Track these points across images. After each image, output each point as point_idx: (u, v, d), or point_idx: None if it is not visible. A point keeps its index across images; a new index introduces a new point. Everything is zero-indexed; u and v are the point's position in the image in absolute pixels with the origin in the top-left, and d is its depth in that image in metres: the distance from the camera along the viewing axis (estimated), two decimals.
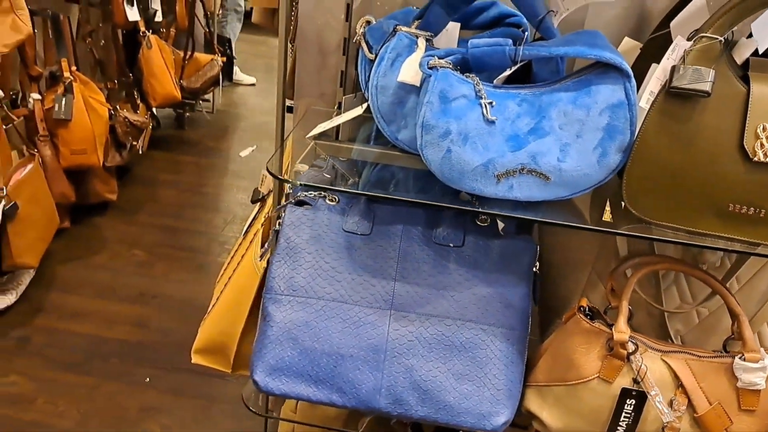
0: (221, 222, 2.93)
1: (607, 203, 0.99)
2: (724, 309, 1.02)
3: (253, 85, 4.87)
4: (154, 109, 3.31)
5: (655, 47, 1.10)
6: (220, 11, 4.31)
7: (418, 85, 0.95)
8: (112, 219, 2.81)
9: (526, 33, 1.03)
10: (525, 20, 1.05)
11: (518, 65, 0.89)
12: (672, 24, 0.97)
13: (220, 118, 4.22)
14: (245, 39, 5.20)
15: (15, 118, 2.17)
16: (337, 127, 1.14)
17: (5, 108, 2.13)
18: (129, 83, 3.02)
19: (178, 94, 3.26)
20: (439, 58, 0.90)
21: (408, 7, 1.11)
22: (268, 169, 1.01)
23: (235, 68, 4.83)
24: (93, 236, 2.69)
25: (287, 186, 1.11)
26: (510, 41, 0.88)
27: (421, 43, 0.97)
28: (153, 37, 3.10)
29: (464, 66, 0.91)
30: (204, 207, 3.08)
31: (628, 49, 1.14)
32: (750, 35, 0.95)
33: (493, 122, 0.86)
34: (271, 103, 3.85)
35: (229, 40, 4.53)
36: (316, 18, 1.20)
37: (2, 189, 1.94)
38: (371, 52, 1.08)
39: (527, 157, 0.87)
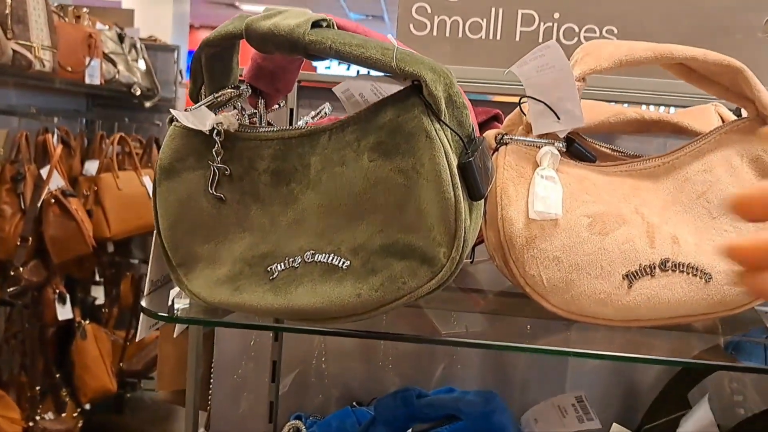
0: None
1: None
2: None
3: None
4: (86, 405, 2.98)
5: None
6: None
7: None
8: None
9: None
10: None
11: None
12: None
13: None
14: None
15: None
16: None
17: None
18: (55, 384, 2.72)
19: (113, 386, 2.96)
20: None
21: (347, 407, 0.91)
22: None
23: None
24: None
25: None
26: None
27: None
28: (89, 327, 2.88)
29: None
30: None
31: None
32: None
33: None
34: None
35: None
36: (234, 409, 0.99)
37: None
38: None
39: None
